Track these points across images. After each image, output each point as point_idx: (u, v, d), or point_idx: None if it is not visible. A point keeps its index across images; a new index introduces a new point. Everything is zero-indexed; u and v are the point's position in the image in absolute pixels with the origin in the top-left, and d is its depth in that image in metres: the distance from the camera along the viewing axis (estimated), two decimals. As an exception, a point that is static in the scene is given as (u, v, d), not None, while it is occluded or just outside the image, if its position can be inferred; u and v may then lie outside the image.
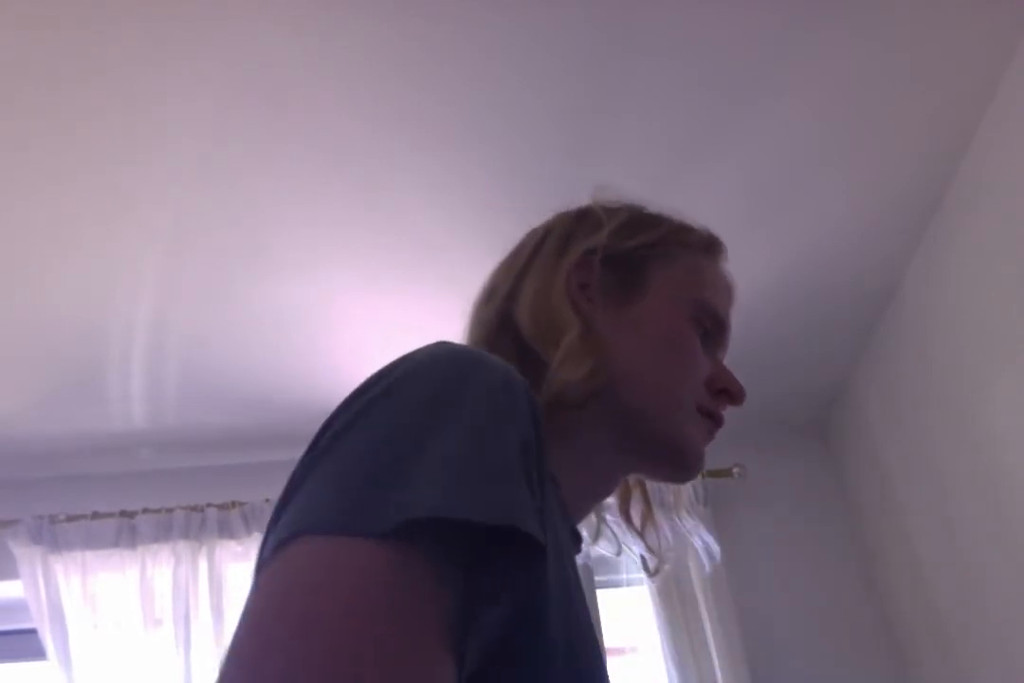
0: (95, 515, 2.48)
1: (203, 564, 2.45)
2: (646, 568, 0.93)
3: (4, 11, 1.51)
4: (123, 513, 2.49)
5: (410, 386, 0.55)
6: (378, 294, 2.19)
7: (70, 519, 2.47)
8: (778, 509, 2.67)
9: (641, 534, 0.90)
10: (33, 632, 2.38)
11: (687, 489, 2.51)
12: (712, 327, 0.84)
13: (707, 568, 2.41)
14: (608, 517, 0.90)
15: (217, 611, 2.39)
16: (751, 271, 2.20)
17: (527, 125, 1.82)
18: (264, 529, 2.21)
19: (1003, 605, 2.04)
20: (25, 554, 2.41)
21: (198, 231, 1.98)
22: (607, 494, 0.83)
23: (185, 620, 2.37)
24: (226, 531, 2.49)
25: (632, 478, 0.89)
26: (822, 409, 2.80)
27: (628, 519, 0.90)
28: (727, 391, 0.83)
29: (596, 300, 0.81)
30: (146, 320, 2.16)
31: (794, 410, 2.71)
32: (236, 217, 1.96)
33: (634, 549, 0.91)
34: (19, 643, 2.52)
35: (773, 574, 2.61)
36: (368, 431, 0.52)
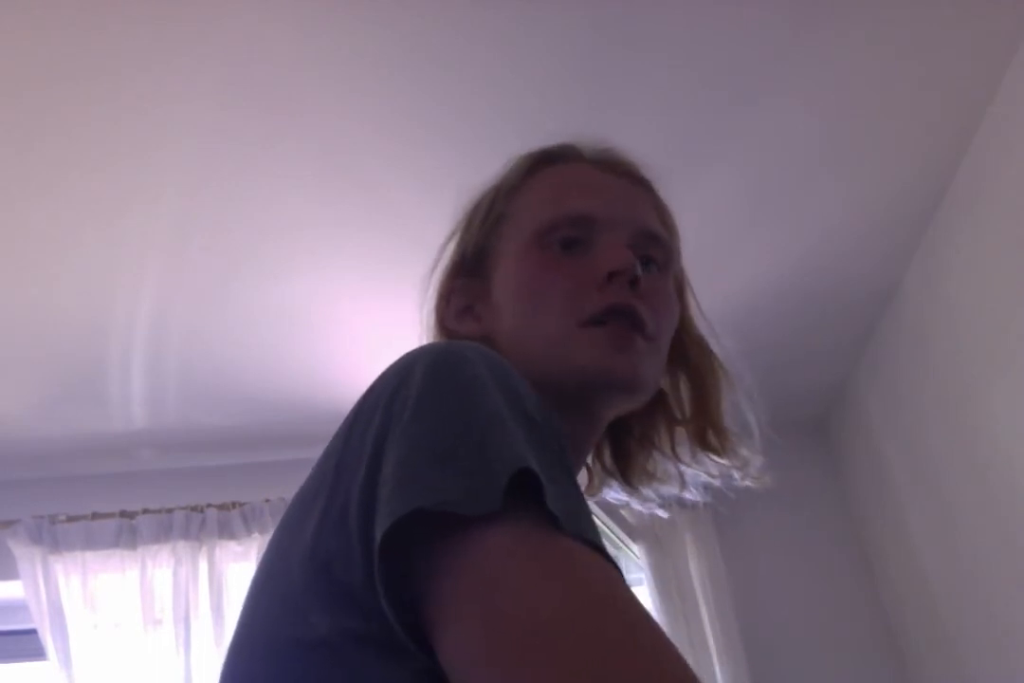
0: (95, 515, 2.48)
1: (203, 564, 2.45)
2: (735, 483, 0.84)
3: (4, 12, 1.51)
4: (123, 513, 2.49)
5: (445, 381, 0.56)
6: (377, 294, 2.19)
7: (70, 519, 2.47)
8: (778, 508, 2.67)
9: (720, 451, 0.83)
10: (33, 632, 2.38)
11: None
12: (574, 230, 0.77)
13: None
14: (657, 455, 0.85)
15: (217, 611, 2.39)
16: (752, 270, 2.20)
17: (527, 125, 1.81)
18: (263, 529, 2.21)
19: (1002, 603, 2.04)
20: (25, 554, 2.41)
21: (198, 231, 1.98)
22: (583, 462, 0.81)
23: (185, 620, 2.37)
24: (226, 531, 2.48)
25: (693, 401, 0.84)
26: (822, 408, 2.80)
27: (709, 446, 0.83)
28: (615, 272, 0.73)
29: (480, 311, 0.80)
30: (146, 320, 2.16)
31: (794, 409, 2.71)
32: (236, 217, 1.96)
33: (717, 466, 0.83)
34: (19, 643, 2.52)
35: (773, 573, 2.61)
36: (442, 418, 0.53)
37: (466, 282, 0.82)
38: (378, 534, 0.48)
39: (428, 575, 0.49)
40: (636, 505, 0.87)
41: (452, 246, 0.85)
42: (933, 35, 1.72)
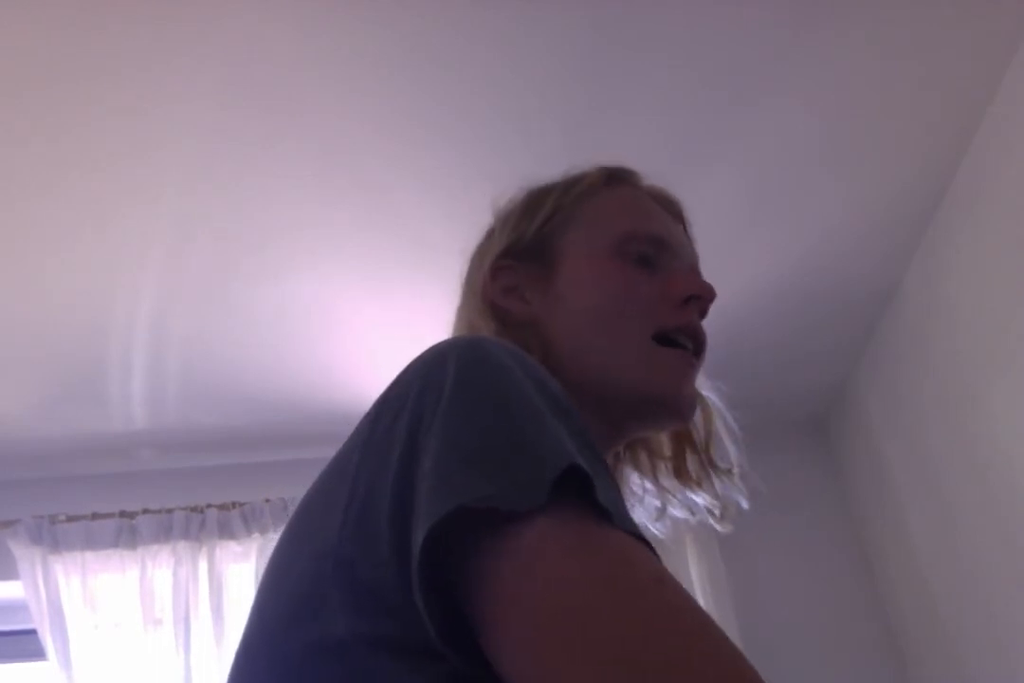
0: (95, 515, 2.48)
1: (203, 564, 2.45)
2: (712, 518, 0.88)
3: (4, 12, 1.51)
4: (123, 513, 2.49)
5: (481, 376, 0.56)
6: (377, 294, 2.19)
7: (70, 519, 2.47)
8: (777, 509, 2.67)
9: (702, 486, 0.86)
10: (33, 632, 2.37)
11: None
12: (651, 248, 0.81)
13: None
14: (646, 483, 0.87)
15: (217, 611, 2.39)
16: (751, 270, 2.20)
17: (527, 125, 1.82)
18: (263, 529, 2.21)
19: (1002, 603, 2.04)
20: (25, 554, 2.40)
21: (198, 231, 1.98)
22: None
23: (185, 620, 2.36)
24: (226, 531, 2.48)
25: (675, 435, 0.86)
26: (822, 408, 2.80)
27: (687, 475, 0.86)
28: (693, 296, 0.79)
29: (530, 295, 0.82)
30: (146, 320, 2.16)
31: (794, 409, 2.71)
32: (236, 217, 1.96)
33: (697, 501, 0.86)
34: (19, 643, 2.52)
35: (772, 574, 2.61)
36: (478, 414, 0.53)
37: (517, 265, 0.84)
38: (420, 534, 0.47)
39: (475, 574, 0.48)
40: None
41: (503, 228, 0.87)
42: (933, 35, 1.72)
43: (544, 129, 1.82)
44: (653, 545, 0.51)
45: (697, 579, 2.50)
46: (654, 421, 0.78)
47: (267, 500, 2.51)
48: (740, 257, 2.14)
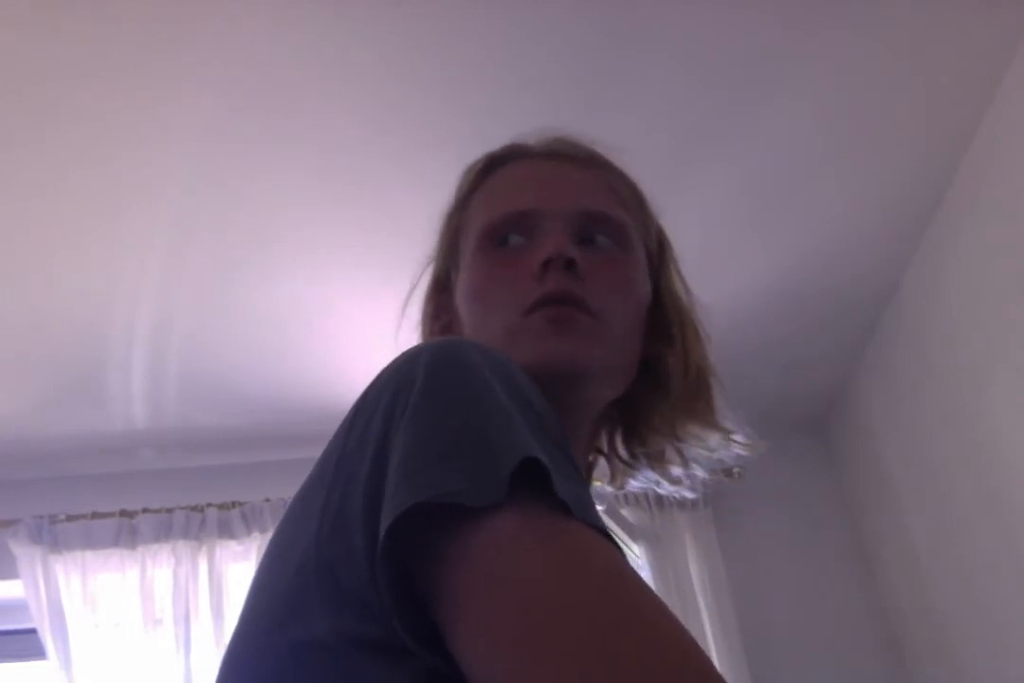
0: (95, 515, 2.48)
1: (203, 564, 2.45)
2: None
3: (7, 10, 1.51)
4: (123, 513, 2.49)
5: (449, 376, 0.56)
6: (377, 294, 2.19)
7: (70, 519, 2.47)
8: (778, 509, 2.67)
9: (712, 424, 0.82)
10: (33, 632, 2.38)
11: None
12: (512, 228, 0.79)
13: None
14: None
15: (217, 611, 2.39)
16: (751, 270, 2.20)
17: (527, 126, 1.81)
18: (263, 529, 2.19)
19: (1002, 604, 2.04)
20: (25, 554, 2.40)
21: (198, 231, 1.98)
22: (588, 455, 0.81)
23: (185, 620, 2.36)
24: (226, 531, 2.48)
25: (673, 382, 0.82)
26: (822, 409, 2.80)
27: (697, 416, 0.81)
28: (547, 260, 0.74)
29: (455, 323, 0.83)
30: (146, 320, 2.16)
31: (794, 410, 2.71)
32: (236, 217, 1.96)
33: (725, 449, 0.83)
34: (19, 643, 2.52)
35: (773, 574, 2.61)
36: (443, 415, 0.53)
37: (440, 299, 0.85)
38: (381, 530, 0.48)
39: (437, 570, 0.49)
40: (664, 489, 0.86)
41: (428, 266, 0.89)
42: (933, 35, 1.72)
43: (544, 129, 1.82)
44: (615, 537, 0.51)
45: (697, 579, 2.49)
46: (564, 386, 0.73)
47: (267, 500, 2.51)
48: (740, 257, 2.14)
